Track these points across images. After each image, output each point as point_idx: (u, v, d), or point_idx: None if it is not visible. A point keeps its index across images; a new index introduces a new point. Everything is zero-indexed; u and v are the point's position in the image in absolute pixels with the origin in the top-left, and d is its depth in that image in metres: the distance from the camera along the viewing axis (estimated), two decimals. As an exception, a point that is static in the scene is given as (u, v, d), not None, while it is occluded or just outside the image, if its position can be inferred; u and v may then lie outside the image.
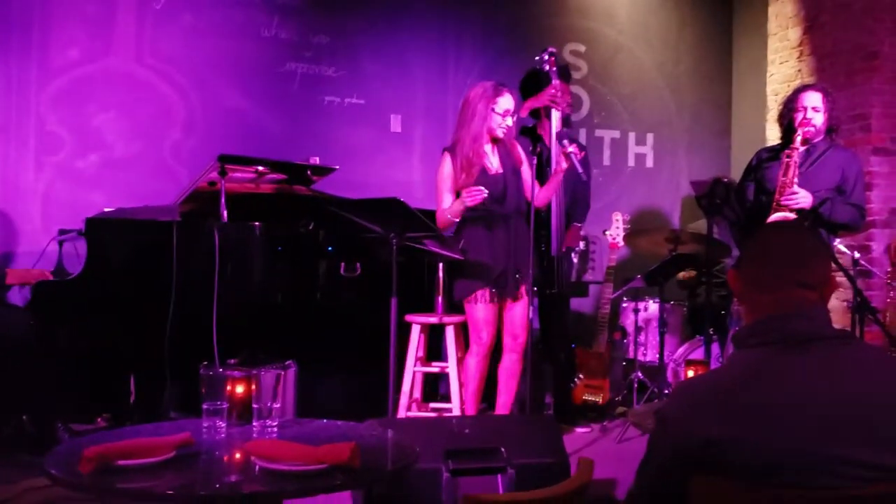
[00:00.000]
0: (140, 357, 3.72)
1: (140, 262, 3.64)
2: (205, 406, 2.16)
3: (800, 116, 3.80)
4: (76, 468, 1.73)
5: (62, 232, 4.12)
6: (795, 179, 3.72)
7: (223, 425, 2.15)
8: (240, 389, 2.28)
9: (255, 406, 2.21)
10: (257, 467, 1.83)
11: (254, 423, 2.18)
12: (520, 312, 3.74)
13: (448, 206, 3.68)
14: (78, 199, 4.46)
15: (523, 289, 3.74)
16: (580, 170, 3.70)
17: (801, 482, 1.36)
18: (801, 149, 3.80)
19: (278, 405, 2.36)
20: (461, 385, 3.86)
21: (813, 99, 3.84)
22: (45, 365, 3.42)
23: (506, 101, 3.68)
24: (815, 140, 3.87)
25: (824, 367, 1.45)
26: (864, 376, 1.45)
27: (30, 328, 3.42)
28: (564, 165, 3.68)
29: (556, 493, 1.54)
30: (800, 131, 3.77)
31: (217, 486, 1.80)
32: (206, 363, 3.47)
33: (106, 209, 3.99)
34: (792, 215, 3.70)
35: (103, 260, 3.58)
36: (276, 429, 2.16)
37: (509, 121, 3.70)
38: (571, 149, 3.65)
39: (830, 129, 3.89)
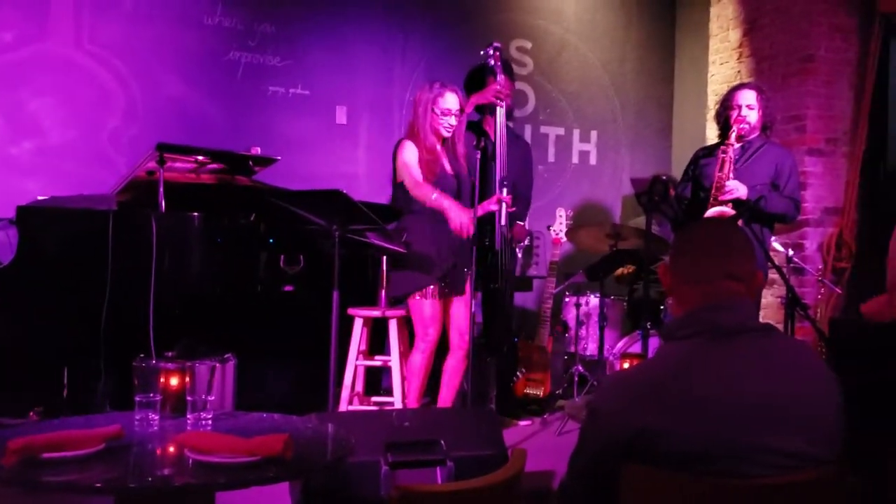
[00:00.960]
0: (74, 349, 3.63)
1: (74, 252, 3.56)
2: (137, 398, 2.13)
3: (735, 114, 3.91)
4: (0, 460, 1.68)
5: (-6, 219, 3.99)
6: (731, 174, 3.83)
7: (156, 418, 2.12)
8: (174, 382, 2.26)
9: (189, 398, 2.19)
10: (190, 460, 1.81)
11: (188, 416, 2.15)
12: (465, 310, 3.76)
13: (430, 192, 3.67)
14: (11, 186, 4.32)
15: (468, 285, 3.76)
16: (503, 222, 3.87)
17: (728, 470, 1.40)
18: (737, 145, 3.92)
19: (213, 398, 2.33)
20: (403, 379, 3.86)
21: (747, 97, 3.96)
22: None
23: (447, 101, 3.70)
24: (751, 137, 3.99)
25: (749, 358, 1.49)
26: (784, 367, 1.49)
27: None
28: (494, 207, 3.82)
29: (489, 482, 1.56)
30: (735, 128, 3.88)
31: (149, 479, 1.77)
32: (142, 355, 3.41)
33: (39, 197, 3.88)
34: (729, 210, 3.81)
35: (36, 249, 3.49)
36: (210, 421, 2.14)
37: (453, 119, 3.71)
38: (504, 199, 3.81)
39: (765, 126, 4.01)
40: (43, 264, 3.50)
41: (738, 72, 5.58)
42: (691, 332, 1.52)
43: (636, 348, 4.46)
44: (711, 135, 5.34)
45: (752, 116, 3.95)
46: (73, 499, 2.67)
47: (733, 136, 3.89)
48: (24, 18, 4.44)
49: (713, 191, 3.84)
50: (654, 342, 4.21)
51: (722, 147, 3.90)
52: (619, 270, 4.80)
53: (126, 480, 1.77)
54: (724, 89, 5.23)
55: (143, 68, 4.66)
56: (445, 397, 3.84)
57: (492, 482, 1.56)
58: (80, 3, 4.54)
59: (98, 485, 1.69)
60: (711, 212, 3.82)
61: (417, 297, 3.72)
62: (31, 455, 1.71)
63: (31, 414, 3.77)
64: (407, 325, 4.03)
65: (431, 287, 3.72)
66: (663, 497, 1.42)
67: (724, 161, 3.85)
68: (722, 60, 5.75)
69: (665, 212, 4.07)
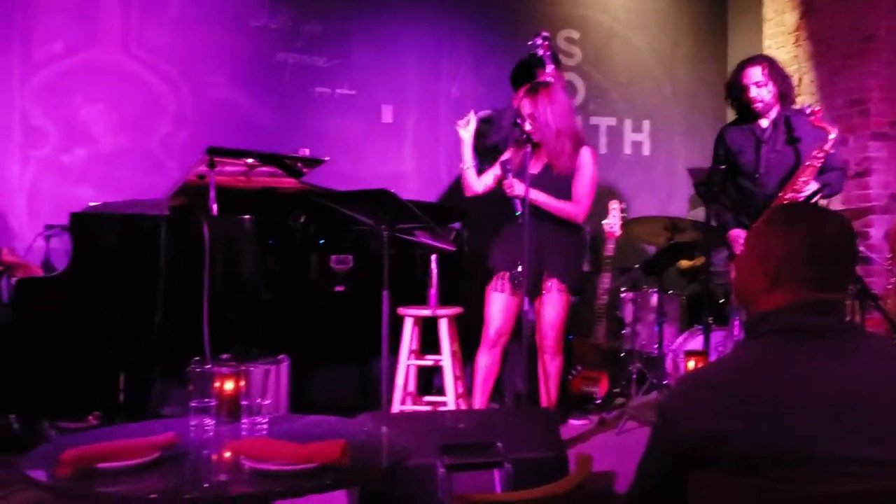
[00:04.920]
0: (129, 354, 3.66)
1: (128, 258, 3.58)
2: (192, 404, 2.11)
3: (748, 93, 3.81)
4: (54, 471, 1.67)
5: (48, 227, 4.06)
6: (810, 177, 3.71)
7: (211, 423, 2.09)
8: (228, 386, 2.22)
9: (244, 403, 2.15)
10: (246, 468, 1.77)
11: (243, 421, 2.12)
12: (546, 312, 3.70)
13: None
14: (65, 193, 4.38)
15: (551, 286, 3.68)
16: (518, 211, 3.59)
17: (804, 477, 1.31)
18: (764, 124, 3.82)
19: (269, 401, 2.31)
20: (456, 379, 3.82)
21: (754, 75, 3.82)
22: (32, 363, 3.35)
23: (521, 107, 3.72)
24: (772, 112, 3.85)
25: (830, 359, 1.40)
26: (868, 369, 1.40)
27: (14, 325, 3.35)
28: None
29: (552, 492, 1.48)
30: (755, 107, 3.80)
31: (204, 488, 1.74)
32: (196, 359, 3.42)
33: (91, 203, 3.92)
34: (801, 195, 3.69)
35: (90, 256, 3.51)
36: (265, 426, 2.10)
37: (527, 125, 3.69)
38: (511, 186, 3.61)
39: (782, 95, 3.86)
40: (97, 270, 3.52)
41: (796, 56, 5.39)
42: (771, 330, 1.43)
43: (696, 344, 4.33)
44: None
45: (765, 93, 3.81)
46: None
47: (764, 121, 3.78)
48: (73, 26, 4.49)
49: (789, 192, 3.70)
50: (715, 338, 4.10)
51: (815, 153, 3.72)
52: (684, 263, 4.68)
53: (181, 491, 1.74)
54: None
55: (192, 72, 4.68)
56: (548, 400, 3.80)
57: (556, 491, 1.49)
58: (128, 8, 4.58)
59: (153, 496, 1.66)
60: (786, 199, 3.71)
61: (489, 288, 3.75)
62: (85, 466, 1.68)
63: (90, 418, 3.82)
64: (458, 324, 3.98)
65: (501, 281, 3.67)
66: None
67: (808, 168, 3.72)
68: (778, 45, 5.56)
69: (723, 202, 3.93)
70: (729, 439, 1.32)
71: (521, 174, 3.54)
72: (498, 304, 3.73)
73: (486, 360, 3.75)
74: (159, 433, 1.91)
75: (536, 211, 3.58)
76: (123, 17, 4.57)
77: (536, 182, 3.60)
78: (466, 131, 3.80)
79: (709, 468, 1.35)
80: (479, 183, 3.84)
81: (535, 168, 3.69)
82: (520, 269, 3.56)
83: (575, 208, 3.70)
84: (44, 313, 3.44)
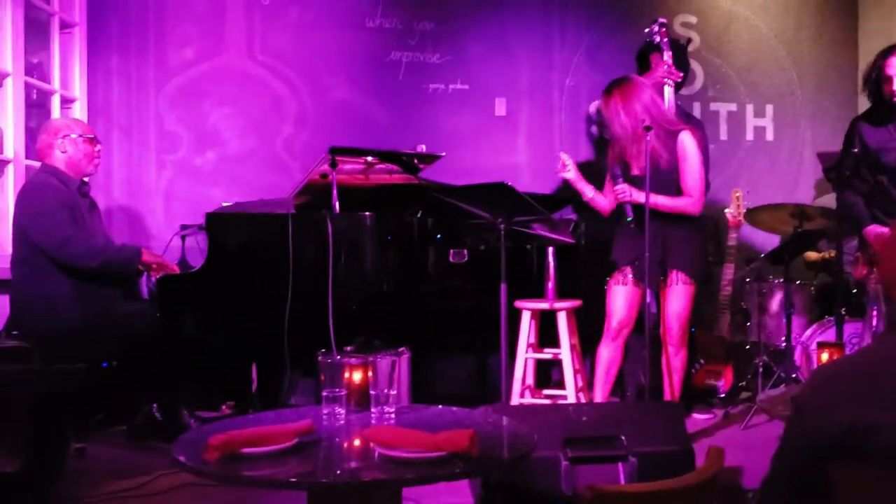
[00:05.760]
0: (261, 346, 3.83)
1: (258, 254, 3.74)
2: (324, 393, 2.19)
3: (891, 86, 3.54)
4: (202, 456, 1.77)
5: (184, 227, 4.28)
6: None
7: (342, 412, 2.17)
8: (357, 376, 2.30)
9: (372, 392, 2.22)
10: (377, 454, 1.83)
11: (372, 410, 2.19)
12: (670, 305, 3.65)
13: None
14: (197, 194, 4.63)
15: (675, 279, 3.62)
16: (630, 216, 3.51)
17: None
18: None
19: (394, 391, 2.37)
20: (575, 372, 3.80)
21: None
22: (172, 355, 3.56)
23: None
24: None
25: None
26: None
27: (156, 320, 3.57)
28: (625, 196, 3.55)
29: (687, 483, 1.47)
30: None
31: (338, 474, 1.81)
32: (323, 351, 3.55)
33: (224, 203, 4.12)
34: None
35: (224, 253, 3.70)
36: (393, 415, 2.16)
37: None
38: (623, 192, 3.52)
39: None
40: (231, 267, 3.70)
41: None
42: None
43: (827, 336, 4.15)
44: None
45: None
46: (265, 491, 2.81)
47: None
48: (202, 35, 4.73)
49: None
50: (849, 329, 3.91)
51: None
52: (811, 256, 4.49)
53: (317, 475, 1.82)
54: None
55: (311, 74, 4.85)
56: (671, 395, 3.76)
57: (690, 483, 1.47)
58: (252, 16, 4.78)
59: (293, 479, 1.75)
60: None
61: (611, 281, 3.72)
62: (231, 450, 1.78)
63: (224, 407, 4.03)
64: (577, 317, 3.95)
65: (623, 275, 3.66)
66: (878, 498, 1.32)
67: None
68: (914, 20, 5.23)
69: (857, 187, 3.75)
70: (877, 432, 1.28)
71: (622, 176, 3.52)
72: (620, 297, 3.68)
73: (607, 353, 3.71)
74: (293, 421, 2.00)
75: (652, 212, 3.46)
76: (248, 23, 4.77)
77: (643, 183, 3.48)
78: (568, 173, 3.70)
79: (850, 460, 1.32)
80: (608, 200, 3.76)
81: (637, 169, 3.61)
82: (638, 262, 3.54)
83: (688, 203, 3.57)
84: (182, 308, 3.64)
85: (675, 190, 3.58)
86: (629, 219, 3.49)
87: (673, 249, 3.60)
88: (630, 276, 3.67)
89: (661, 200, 3.51)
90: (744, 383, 4.39)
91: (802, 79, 5.53)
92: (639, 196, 3.48)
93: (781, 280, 4.34)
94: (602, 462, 2.64)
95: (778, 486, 1.50)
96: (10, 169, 4.03)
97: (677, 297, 3.63)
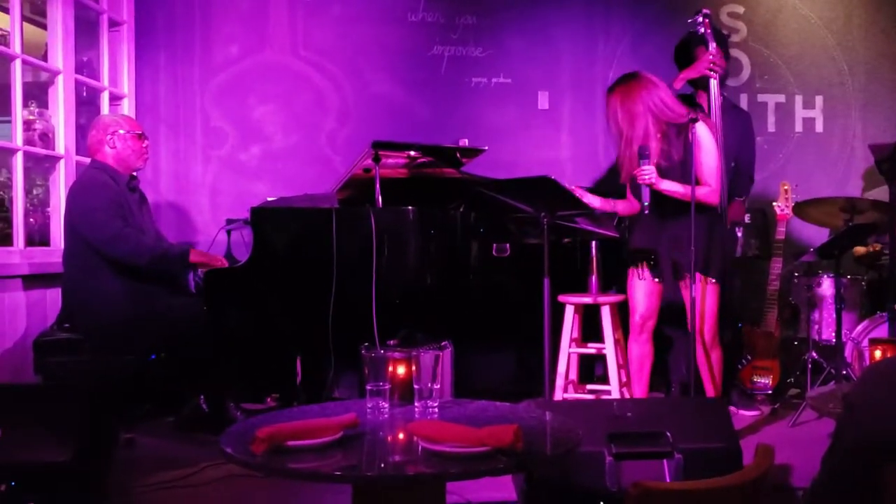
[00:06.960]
0: (305, 339, 3.87)
1: (303, 248, 3.77)
2: (368, 387, 2.19)
3: None
4: (249, 448, 1.79)
5: (229, 221, 4.34)
6: None
7: (386, 406, 2.18)
8: (401, 370, 2.30)
9: (416, 387, 2.22)
10: (420, 448, 1.83)
11: (415, 404, 2.19)
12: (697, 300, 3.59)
13: None
14: (242, 189, 4.69)
15: (695, 279, 3.56)
16: (646, 201, 3.43)
17: None
18: None
19: (438, 385, 2.37)
20: (619, 367, 3.76)
21: None
22: (218, 348, 3.60)
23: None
24: None
25: None
26: None
27: (203, 313, 3.61)
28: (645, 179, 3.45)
29: (735, 481, 1.44)
30: None
31: (382, 467, 1.82)
32: (366, 344, 3.57)
33: (269, 198, 4.16)
34: None
35: (269, 247, 3.73)
36: (436, 409, 2.16)
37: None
38: (647, 173, 3.41)
39: None
40: (276, 261, 3.73)
41: None
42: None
43: (880, 332, 4.05)
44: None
45: None
46: (308, 484, 2.84)
47: None
48: (246, 31, 4.78)
49: None
50: (902, 325, 3.82)
51: None
52: (861, 249, 4.38)
53: (362, 469, 1.82)
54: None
55: (353, 69, 4.87)
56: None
57: (739, 481, 1.44)
58: (295, 11, 4.82)
59: (338, 473, 1.76)
60: None
61: (630, 276, 3.68)
62: (277, 443, 1.80)
63: (269, 400, 4.08)
64: (621, 312, 3.92)
65: (640, 269, 3.61)
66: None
67: None
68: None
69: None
70: None
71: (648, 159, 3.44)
72: (640, 290, 3.65)
73: (637, 349, 3.68)
74: (338, 414, 2.01)
75: (670, 201, 3.43)
76: (291, 19, 4.81)
77: (664, 173, 3.45)
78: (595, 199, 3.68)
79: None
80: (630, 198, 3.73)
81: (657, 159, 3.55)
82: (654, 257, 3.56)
83: (706, 192, 3.50)
84: (228, 302, 3.68)
85: (693, 182, 3.51)
86: (645, 203, 3.44)
87: (687, 249, 3.49)
88: (646, 270, 3.62)
89: (677, 188, 3.47)
90: (792, 380, 4.31)
91: (853, 69, 5.40)
92: (661, 183, 3.43)
93: (831, 274, 4.25)
94: (647, 458, 2.61)
95: (829, 486, 1.47)
96: (61, 165, 4.12)
97: (701, 296, 3.55)
